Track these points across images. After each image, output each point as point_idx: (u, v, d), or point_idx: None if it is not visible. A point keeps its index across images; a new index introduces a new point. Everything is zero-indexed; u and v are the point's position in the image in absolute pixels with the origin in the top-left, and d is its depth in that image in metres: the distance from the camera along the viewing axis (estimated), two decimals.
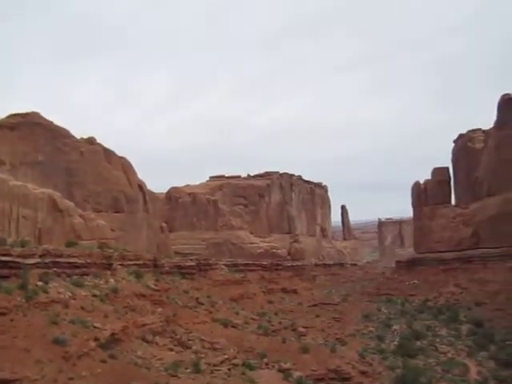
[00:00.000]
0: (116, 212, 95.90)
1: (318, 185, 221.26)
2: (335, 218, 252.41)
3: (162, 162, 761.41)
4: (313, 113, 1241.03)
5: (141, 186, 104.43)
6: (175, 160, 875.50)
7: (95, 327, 42.64)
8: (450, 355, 67.16)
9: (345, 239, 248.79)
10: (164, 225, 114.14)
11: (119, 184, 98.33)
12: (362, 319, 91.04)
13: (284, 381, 47.86)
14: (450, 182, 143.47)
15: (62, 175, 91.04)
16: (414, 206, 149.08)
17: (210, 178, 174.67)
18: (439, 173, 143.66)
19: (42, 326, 38.26)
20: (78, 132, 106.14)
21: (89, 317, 44.23)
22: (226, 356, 51.49)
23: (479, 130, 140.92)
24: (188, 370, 44.21)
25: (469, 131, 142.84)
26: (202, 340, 55.85)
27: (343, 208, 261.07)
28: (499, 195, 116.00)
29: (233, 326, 66.24)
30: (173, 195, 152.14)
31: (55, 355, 34.78)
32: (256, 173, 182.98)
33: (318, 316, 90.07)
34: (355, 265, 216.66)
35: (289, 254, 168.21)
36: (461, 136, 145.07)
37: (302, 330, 74.08)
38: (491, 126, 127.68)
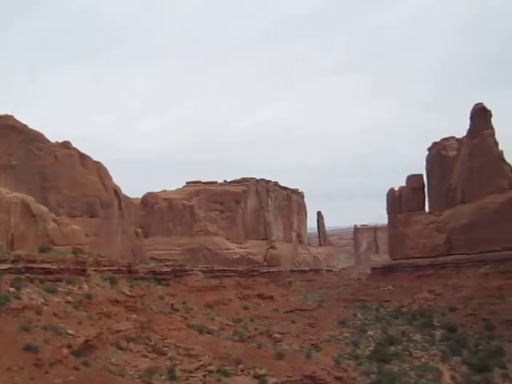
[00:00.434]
0: (91, 217, 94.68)
1: (295, 191, 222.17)
2: (311, 224, 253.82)
3: (138, 167, 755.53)
4: (290, 119, 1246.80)
5: (116, 191, 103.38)
6: (151, 165, 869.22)
7: (68, 334, 41.90)
8: (423, 360, 67.82)
9: (320, 245, 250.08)
10: (139, 230, 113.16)
11: (94, 189, 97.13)
12: (337, 325, 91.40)
13: None
14: (424, 189, 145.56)
15: (36, 179, 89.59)
16: (388, 212, 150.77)
17: (187, 183, 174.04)
18: (414, 180, 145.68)
19: (13, 333, 37.47)
20: (53, 135, 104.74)
21: (62, 323, 43.46)
22: (201, 362, 51.13)
23: (452, 138, 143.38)
24: (163, 377, 43.77)
25: (442, 139, 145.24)
26: (177, 346, 55.36)
27: (319, 214, 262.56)
28: (472, 202, 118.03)
29: (208, 333, 65.84)
30: (148, 200, 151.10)
31: (27, 362, 34.08)
32: (233, 179, 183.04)
33: (293, 322, 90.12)
34: (331, 271, 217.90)
35: (265, 260, 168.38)
36: (435, 144, 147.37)
37: (277, 336, 74.00)
38: (464, 134, 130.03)
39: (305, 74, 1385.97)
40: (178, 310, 72.09)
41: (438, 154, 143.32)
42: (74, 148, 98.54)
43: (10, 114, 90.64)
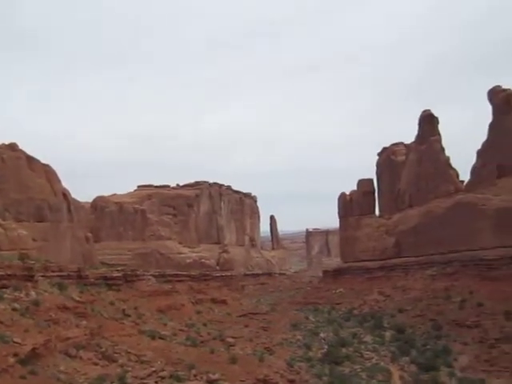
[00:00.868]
0: (39, 221, 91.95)
1: (248, 195, 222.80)
2: (264, 228, 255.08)
3: (88, 171, 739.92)
4: (244, 124, 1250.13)
5: (65, 195, 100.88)
6: (102, 168, 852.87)
7: (15, 342, 40.50)
8: (374, 361, 69.03)
9: (273, 249, 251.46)
10: (89, 235, 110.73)
11: (42, 192, 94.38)
12: (289, 328, 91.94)
13: None
14: (374, 193, 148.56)
15: None
16: (340, 216, 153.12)
17: (138, 187, 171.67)
18: (364, 184, 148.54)
19: None
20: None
21: (8, 331, 41.96)
22: (153, 368, 50.39)
23: (401, 143, 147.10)
24: None
25: (392, 145, 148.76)
26: (129, 353, 54.37)
27: (272, 218, 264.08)
28: (419, 206, 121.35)
29: (160, 338, 64.98)
30: (99, 204, 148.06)
31: None
32: (185, 182, 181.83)
33: (246, 326, 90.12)
34: (283, 274, 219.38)
35: (218, 264, 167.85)
36: (384, 149, 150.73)
37: (230, 340, 73.79)
38: (413, 140, 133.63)
39: (257, 78, 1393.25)
40: (129, 316, 70.87)
41: (388, 159, 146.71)
42: (21, 150, 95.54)
43: None
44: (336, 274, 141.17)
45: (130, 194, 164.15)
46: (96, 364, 48.37)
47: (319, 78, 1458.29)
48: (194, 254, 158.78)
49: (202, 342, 69.22)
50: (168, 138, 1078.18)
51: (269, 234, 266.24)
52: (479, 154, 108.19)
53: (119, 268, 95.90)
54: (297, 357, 68.71)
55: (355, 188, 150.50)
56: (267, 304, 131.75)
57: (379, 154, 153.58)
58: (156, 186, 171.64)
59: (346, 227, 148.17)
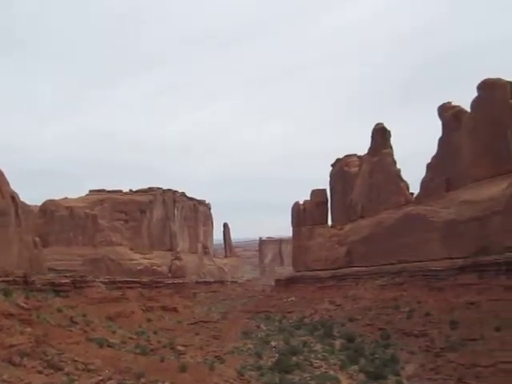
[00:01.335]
0: None
1: (202, 202, 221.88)
2: (218, 235, 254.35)
3: (38, 173, 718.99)
4: (201, 130, 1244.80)
5: (13, 198, 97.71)
6: (53, 172, 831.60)
7: None
8: (323, 369, 69.65)
9: (226, 257, 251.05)
10: (37, 239, 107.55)
11: None
12: (241, 336, 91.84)
13: None
14: (327, 204, 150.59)
15: None
16: (293, 225, 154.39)
17: (90, 191, 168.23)
18: (317, 194, 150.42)
19: None
20: None
21: None
22: (100, 377, 49.28)
23: (354, 155, 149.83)
24: None
25: (345, 156, 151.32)
26: (75, 361, 53.00)
27: (225, 226, 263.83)
28: (370, 217, 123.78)
29: (109, 346, 63.71)
30: (48, 208, 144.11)
31: None
32: (139, 188, 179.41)
33: (197, 334, 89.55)
34: (236, 282, 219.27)
35: (170, 271, 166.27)
36: (338, 160, 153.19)
37: (180, 348, 73.11)
38: (366, 152, 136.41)
39: (215, 85, 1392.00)
40: (77, 323, 69.21)
41: (341, 170, 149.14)
42: None
43: None
44: (288, 282, 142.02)
45: (81, 199, 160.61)
46: (41, 372, 46.93)
47: (281, 86, 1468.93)
48: (146, 261, 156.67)
49: (151, 350, 68.29)
50: (126, 141, 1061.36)
51: (222, 241, 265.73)
52: (429, 167, 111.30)
53: (68, 274, 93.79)
54: (247, 365, 68.66)
55: (309, 198, 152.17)
56: (219, 312, 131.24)
57: (333, 165, 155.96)
58: (108, 191, 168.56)
59: (299, 236, 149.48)
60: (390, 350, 73.57)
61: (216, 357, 70.83)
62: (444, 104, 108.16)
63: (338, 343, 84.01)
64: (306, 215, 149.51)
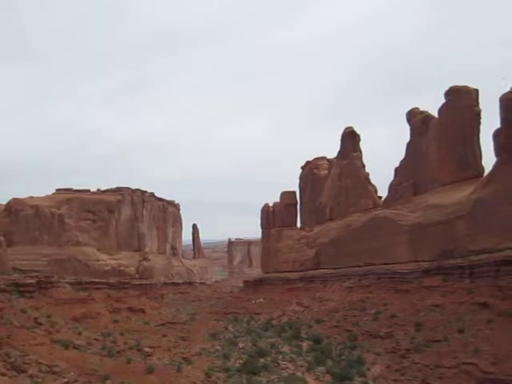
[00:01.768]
0: None
1: (171, 203, 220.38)
2: (186, 236, 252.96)
3: (4, 171, 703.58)
4: (171, 130, 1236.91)
5: None
6: (18, 169, 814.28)
7: None
8: (290, 371, 69.93)
9: (195, 258, 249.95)
10: (2, 238, 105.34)
11: None
12: (208, 338, 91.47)
13: None
14: (296, 206, 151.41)
15: None
16: (262, 227, 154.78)
17: (57, 190, 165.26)
18: (287, 196, 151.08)
19: None
20: None
21: None
22: (65, 380, 48.50)
23: (324, 158, 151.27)
24: None
25: (315, 159, 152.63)
26: (39, 363, 52.02)
27: (194, 227, 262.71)
28: (339, 220, 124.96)
29: (74, 348, 62.73)
30: (13, 207, 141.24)
31: None
32: (107, 188, 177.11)
33: (164, 335, 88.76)
34: (204, 283, 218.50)
35: (137, 272, 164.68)
36: (308, 163, 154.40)
37: (147, 349, 72.41)
38: (335, 155, 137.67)
39: (189, 84, 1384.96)
40: (41, 324, 67.97)
41: (311, 172, 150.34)
42: None
43: None
44: (257, 284, 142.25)
45: (47, 197, 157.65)
46: (4, 375, 45.91)
47: (252, 89, 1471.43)
48: (113, 262, 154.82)
49: (118, 351, 67.46)
50: (94, 141, 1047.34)
51: (191, 242, 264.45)
52: (396, 171, 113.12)
53: (33, 274, 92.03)
54: (215, 367, 68.43)
55: (278, 200, 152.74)
56: (187, 313, 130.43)
57: (302, 168, 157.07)
58: (76, 190, 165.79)
59: (268, 238, 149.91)
60: (356, 352, 74.31)
61: (183, 358, 70.41)
62: (412, 109, 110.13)
63: (305, 345, 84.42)
64: (275, 217, 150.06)
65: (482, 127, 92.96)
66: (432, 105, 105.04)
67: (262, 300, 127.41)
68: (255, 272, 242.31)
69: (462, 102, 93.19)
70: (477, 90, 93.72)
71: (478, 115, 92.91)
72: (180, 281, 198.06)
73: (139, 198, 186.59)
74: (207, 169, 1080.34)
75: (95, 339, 72.36)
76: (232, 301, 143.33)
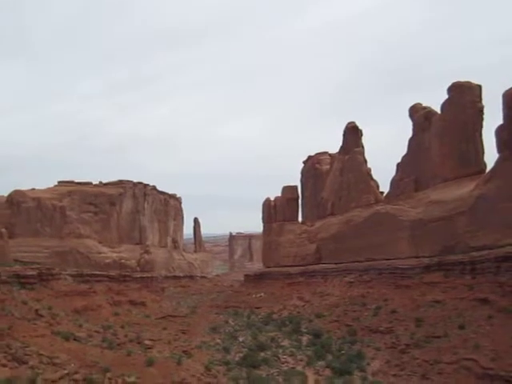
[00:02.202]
0: None
1: (173, 196, 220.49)
2: (188, 230, 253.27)
3: (6, 163, 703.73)
4: (173, 125, 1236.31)
5: None
6: (22, 162, 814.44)
7: None
8: (290, 365, 70.13)
9: (196, 252, 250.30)
10: (3, 230, 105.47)
11: None
12: (209, 331, 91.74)
13: None
14: (298, 200, 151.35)
15: None
16: (264, 221, 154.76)
17: (59, 182, 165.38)
18: (288, 191, 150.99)
19: None
20: None
21: None
22: (65, 371, 48.60)
23: (326, 153, 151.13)
24: None
25: (317, 153, 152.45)
26: (40, 354, 52.17)
27: (196, 221, 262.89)
28: (340, 215, 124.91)
29: (75, 340, 62.89)
30: (15, 199, 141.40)
31: None
32: (109, 180, 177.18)
33: (165, 328, 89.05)
34: (205, 277, 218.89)
35: (138, 265, 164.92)
36: (310, 157, 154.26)
37: (148, 342, 72.62)
38: (337, 150, 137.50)
39: (190, 81, 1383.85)
40: (42, 316, 68.18)
41: (313, 167, 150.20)
42: None
43: None
44: (257, 278, 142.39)
45: (49, 190, 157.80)
46: (5, 366, 46.10)
47: (257, 84, 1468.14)
48: (115, 254, 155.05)
49: (118, 344, 67.65)
50: (95, 134, 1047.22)
51: (192, 236, 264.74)
52: (398, 167, 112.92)
53: (34, 266, 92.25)
54: (215, 360, 68.66)
55: (280, 194, 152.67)
56: (187, 307, 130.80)
57: (304, 162, 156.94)
58: (77, 183, 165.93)
59: (269, 232, 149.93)
60: (356, 347, 74.39)
61: (183, 351, 70.60)
62: (415, 105, 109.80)
63: (305, 339, 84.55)
64: (276, 211, 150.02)
65: (484, 123, 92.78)
66: (435, 100, 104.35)
67: (262, 294, 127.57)
68: (256, 266, 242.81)
69: (464, 98, 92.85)
70: (480, 86, 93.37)
71: (480, 111, 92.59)
72: (181, 274, 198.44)
73: (141, 191, 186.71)
74: (209, 163, 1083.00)
75: (96, 331, 72.58)
76: (232, 295, 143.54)
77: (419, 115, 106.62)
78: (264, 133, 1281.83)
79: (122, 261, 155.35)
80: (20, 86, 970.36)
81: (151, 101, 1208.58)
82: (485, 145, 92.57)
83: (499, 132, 77.85)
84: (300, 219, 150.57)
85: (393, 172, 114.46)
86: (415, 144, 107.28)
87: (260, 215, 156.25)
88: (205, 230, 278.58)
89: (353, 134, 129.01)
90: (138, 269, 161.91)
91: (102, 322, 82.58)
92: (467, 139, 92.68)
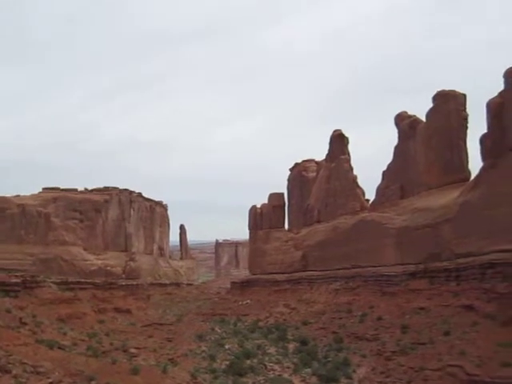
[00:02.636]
0: None
1: (159, 203, 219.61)
2: (174, 237, 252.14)
3: None
4: (161, 131, 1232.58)
5: None
6: (7, 168, 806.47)
7: None
8: (277, 373, 69.95)
9: (182, 259, 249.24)
10: None
11: None
12: (195, 339, 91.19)
13: None
14: (284, 207, 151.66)
15: None
16: (250, 228, 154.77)
17: (44, 189, 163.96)
18: (275, 198, 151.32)
19: None
20: None
21: None
22: (49, 380, 47.97)
23: (312, 160, 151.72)
24: None
25: (303, 161, 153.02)
26: (24, 363, 51.44)
27: (182, 227, 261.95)
28: (326, 222, 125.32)
29: (59, 348, 62.17)
30: None
31: None
32: (94, 187, 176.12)
33: (150, 336, 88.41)
34: (191, 284, 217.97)
35: (124, 272, 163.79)
36: (296, 165, 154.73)
37: (133, 350, 71.99)
38: (323, 157, 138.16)
39: (181, 85, 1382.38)
40: (26, 324, 67.37)
41: (299, 174, 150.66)
42: None
43: None
44: (244, 285, 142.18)
45: (34, 196, 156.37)
46: None
47: (244, 89, 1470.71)
48: (100, 262, 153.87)
49: (103, 352, 67.01)
50: (81, 140, 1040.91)
51: (178, 243, 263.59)
52: (384, 174, 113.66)
53: (18, 274, 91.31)
54: (201, 368, 68.23)
55: (266, 201, 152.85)
56: (173, 314, 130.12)
57: (291, 170, 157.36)
58: (62, 189, 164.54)
59: (256, 239, 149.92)
60: (342, 354, 74.44)
61: (169, 359, 70.08)
62: (400, 113, 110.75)
63: (291, 346, 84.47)
64: (262, 218, 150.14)
65: (469, 131, 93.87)
66: (422, 109, 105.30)
67: (248, 301, 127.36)
68: (242, 273, 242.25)
69: (449, 107, 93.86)
70: (464, 95, 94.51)
71: (465, 119, 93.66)
72: (167, 281, 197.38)
73: (127, 198, 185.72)
74: (195, 170, 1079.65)
75: (81, 339, 71.89)
76: (219, 302, 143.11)
77: (404, 123, 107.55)
78: (252, 140, 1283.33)
79: (108, 268, 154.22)
80: (12, 88, 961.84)
81: (141, 105, 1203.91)
82: (469, 153, 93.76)
83: (483, 140, 78.76)
84: (286, 226, 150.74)
85: (378, 179, 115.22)
86: (400, 152, 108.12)
87: (246, 222, 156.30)
88: (191, 237, 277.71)
89: (339, 141, 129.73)
90: (124, 276, 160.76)
91: (87, 329, 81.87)
92: (452, 147, 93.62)
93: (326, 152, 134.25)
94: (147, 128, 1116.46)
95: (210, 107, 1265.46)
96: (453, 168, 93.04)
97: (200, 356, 77.08)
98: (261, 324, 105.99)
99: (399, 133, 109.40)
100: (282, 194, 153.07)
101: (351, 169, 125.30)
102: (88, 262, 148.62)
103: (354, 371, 67.14)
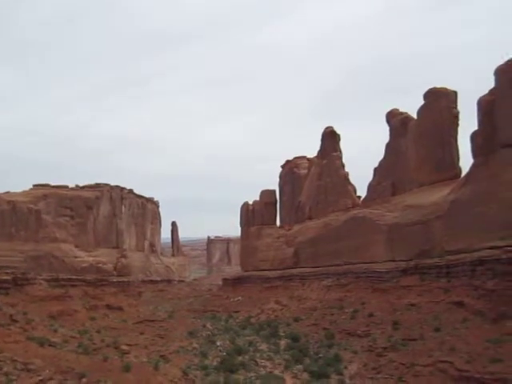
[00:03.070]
0: None
1: (150, 200, 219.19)
2: (165, 234, 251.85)
3: None
4: (153, 128, 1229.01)
5: None
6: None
7: None
8: (268, 369, 70.03)
9: (173, 255, 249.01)
10: None
11: None
12: (186, 336, 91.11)
13: None
14: (276, 204, 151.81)
15: None
16: (242, 225, 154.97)
17: (34, 186, 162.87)
18: (267, 195, 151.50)
19: None
20: None
21: None
22: (40, 377, 47.85)
23: (304, 157, 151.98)
24: None
25: (295, 158, 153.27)
26: (14, 360, 51.26)
27: (174, 224, 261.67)
28: (318, 219, 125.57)
29: (50, 345, 61.91)
30: None
31: None
32: (86, 184, 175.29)
33: (142, 333, 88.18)
34: (183, 281, 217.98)
35: (115, 269, 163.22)
36: (288, 162, 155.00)
37: (125, 347, 71.75)
38: (315, 154, 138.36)
39: (173, 84, 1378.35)
40: (17, 321, 66.97)
41: (291, 171, 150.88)
42: None
43: None
44: (235, 282, 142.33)
45: (24, 193, 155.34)
46: None
47: (234, 88, 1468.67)
48: (91, 259, 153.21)
49: (94, 349, 66.76)
50: (74, 137, 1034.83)
51: (169, 240, 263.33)
52: (375, 171, 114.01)
53: (8, 271, 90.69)
54: (192, 365, 68.20)
55: (258, 198, 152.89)
56: (165, 311, 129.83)
57: (282, 167, 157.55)
58: (53, 186, 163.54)
59: (247, 236, 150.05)
60: (333, 350, 74.62)
61: (161, 356, 69.97)
62: (392, 110, 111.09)
63: (283, 343, 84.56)
64: (254, 215, 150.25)
65: (459, 129, 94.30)
66: (415, 107, 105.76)
67: (240, 298, 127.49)
68: (234, 270, 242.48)
69: (440, 104, 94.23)
70: (455, 92, 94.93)
71: (455, 117, 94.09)
72: (158, 278, 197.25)
73: (118, 195, 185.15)
74: (187, 166, 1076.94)
75: (71, 337, 71.57)
76: (210, 299, 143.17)
77: (396, 120, 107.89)
78: (243, 137, 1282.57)
79: (99, 265, 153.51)
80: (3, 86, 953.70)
81: (131, 104, 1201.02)
82: (460, 150, 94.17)
83: (474, 137, 79.15)
84: (278, 223, 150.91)
85: (370, 176, 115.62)
86: (392, 149, 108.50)
87: (238, 219, 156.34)
88: (183, 234, 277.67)
89: (330, 138, 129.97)
90: (115, 273, 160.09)
91: (78, 326, 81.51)
92: (443, 144, 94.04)
93: (318, 149, 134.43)
94: (134, 127, 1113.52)
95: (200, 106, 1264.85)
96: (444, 165, 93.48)
97: (191, 353, 77.00)
98: (252, 320, 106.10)
99: (391, 130, 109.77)
100: (274, 191, 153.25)
101: (343, 166, 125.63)
102: (79, 259, 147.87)
103: (346, 367, 67.33)
